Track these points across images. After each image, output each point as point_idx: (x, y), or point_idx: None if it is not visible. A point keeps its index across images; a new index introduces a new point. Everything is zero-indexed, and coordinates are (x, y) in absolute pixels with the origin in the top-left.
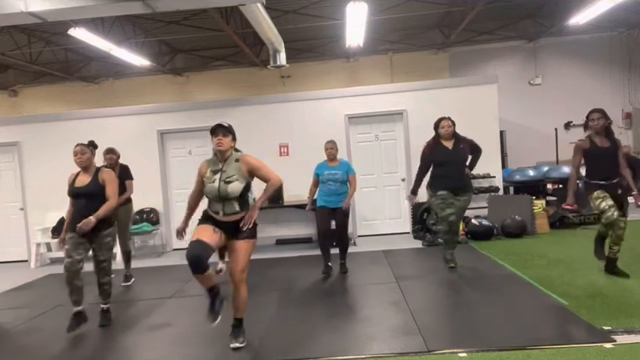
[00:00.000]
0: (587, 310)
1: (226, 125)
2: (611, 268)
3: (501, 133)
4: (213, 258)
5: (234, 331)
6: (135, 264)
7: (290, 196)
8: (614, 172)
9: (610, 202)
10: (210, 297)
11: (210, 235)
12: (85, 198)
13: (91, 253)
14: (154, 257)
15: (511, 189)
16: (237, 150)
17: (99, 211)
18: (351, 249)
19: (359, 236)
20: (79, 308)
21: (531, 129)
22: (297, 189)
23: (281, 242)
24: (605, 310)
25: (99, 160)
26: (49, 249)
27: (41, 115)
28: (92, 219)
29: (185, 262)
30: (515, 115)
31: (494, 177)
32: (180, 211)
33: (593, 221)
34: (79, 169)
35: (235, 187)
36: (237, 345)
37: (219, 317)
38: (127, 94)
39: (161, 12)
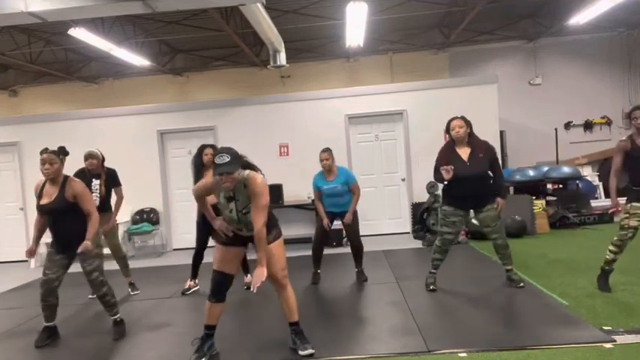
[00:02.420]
0: (587, 310)
1: (227, 161)
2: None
3: (501, 133)
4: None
5: (299, 337)
6: (135, 264)
7: (290, 196)
8: None
9: (634, 222)
10: (205, 336)
11: (232, 261)
12: (54, 215)
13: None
14: (154, 257)
15: (511, 189)
16: (245, 167)
17: (88, 233)
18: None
19: None
20: (50, 324)
21: (531, 129)
22: (297, 189)
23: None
24: (605, 310)
25: (73, 164)
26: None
27: (41, 115)
28: (88, 244)
29: (185, 262)
30: (515, 115)
31: None
32: (180, 211)
33: (594, 221)
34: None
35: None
36: (310, 351)
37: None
38: (127, 94)
39: (161, 12)
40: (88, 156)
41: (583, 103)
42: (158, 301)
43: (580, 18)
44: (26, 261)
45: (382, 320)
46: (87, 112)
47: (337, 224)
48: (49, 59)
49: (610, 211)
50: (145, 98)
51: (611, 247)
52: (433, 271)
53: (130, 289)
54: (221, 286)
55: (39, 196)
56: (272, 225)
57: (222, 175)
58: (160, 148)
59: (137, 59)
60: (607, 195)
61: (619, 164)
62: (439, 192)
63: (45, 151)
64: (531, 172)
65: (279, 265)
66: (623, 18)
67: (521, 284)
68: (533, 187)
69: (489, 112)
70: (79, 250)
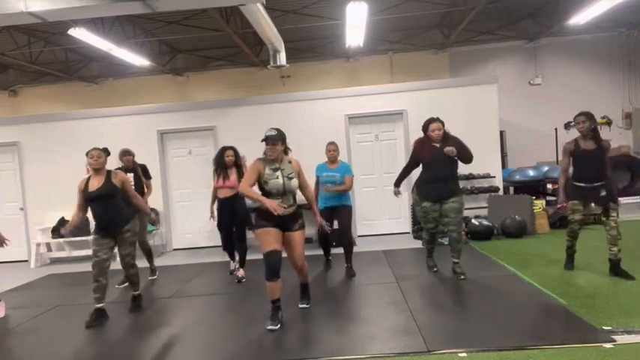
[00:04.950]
0: (587, 310)
1: (274, 134)
2: (615, 270)
3: (501, 133)
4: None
5: (303, 293)
6: (140, 264)
7: None
8: (597, 175)
9: (578, 216)
10: (273, 309)
11: (278, 241)
12: (101, 200)
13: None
14: (154, 257)
15: (511, 189)
16: (285, 152)
17: (144, 210)
18: None
19: (359, 236)
20: (100, 306)
21: (531, 129)
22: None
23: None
24: (605, 310)
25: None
26: (49, 249)
27: (41, 115)
28: (148, 210)
29: (185, 261)
30: (515, 115)
31: (495, 177)
32: (180, 212)
33: (594, 221)
34: (87, 175)
35: (295, 183)
36: (304, 305)
37: (278, 326)
38: (127, 94)
39: (161, 12)
40: (126, 152)
41: (583, 103)
42: (158, 301)
43: (580, 18)
44: (26, 261)
45: (382, 320)
46: (87, 112)
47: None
48: (49, 59)
49: (558, 206)
50: (145, 98)
51: (567, 237)
52: (430, 255)
53: (149, 274)
54: (274, 265)
55: (85, 189)
56: (299, 215)
57: (268, 145)
58: (160, 148)
59: (137, 59)
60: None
61: (566, 164)
62: None
63: (92, 149)
64: (531, 172)
65: (299, 251)
66: (623, 18)
67: (463, 277)
68: (533, 187)
69: (489, 112)
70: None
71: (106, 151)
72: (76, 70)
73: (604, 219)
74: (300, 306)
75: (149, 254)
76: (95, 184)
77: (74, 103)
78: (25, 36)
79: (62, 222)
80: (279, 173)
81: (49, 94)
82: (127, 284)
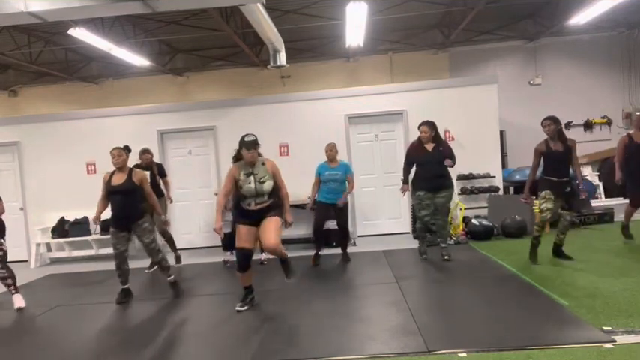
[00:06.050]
0: (587, 310)
1: (252, 140)
2: (558, 252)
3: (501, 133)
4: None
5: (284, 269)
6: (135, 264)
7: (290, 196)
8: (564, 171)
9: (550, 205)
10: (245, 292)
11: (249, 239)
12: (121, 194)
13: (137, 241)
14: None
15: (511, 189)
16: (259, 154)
17: (157, 210)
18: (351, 249)
19: (359, 236)
20: (125, 286)
21: (531, 129)
22: (297, 189)
23: (281, 242)
24: (605, 310)
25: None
26: (49, 249)
27: (41, 115)
28: (165, 219)
29: (185, 261)
30: (515, 115)
31: (495, 177)
32: (180, 212)
33: (594, 221)
34: (112, 170)
35: (268, 185)
36: (291, 280)
37: (246, 307)
38: (127, 94)
39: (161, 12)
40: (145, 151)
41: (583, 103)
42: (158, 301)
43: (580, 18)
44: (26, 261)
45: (382, 320)
46: (87, 112)
47: (333, 225)
48: (49, 59)
49: (520, 200)
50: (145, 98)
51: (535, 227)
52: (422, 241)
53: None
54: (242, 260)
55: (108, 182)
56: (276, 206)
57: (250, 150)
58: (160, 148)
59: (137, 59)
60: (607, 195)
61: (537, 164)
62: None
63: (113, 149)
64: None
65: (271, 236)
66: (623, 18)
67: (447, 257)
68: (534, 187)
69: (489, 112)
70: (164, 227)
71: (127, 149)
72: (76, 70)
73: (562, 212)
74: (287, 281)
75: (171, 241)
76: (118, 179)
77: (74, 103)
78: (25, 36)
79: (62, 222)
80: (251, 178)
81: (49, 94)
82: (155, 268)
